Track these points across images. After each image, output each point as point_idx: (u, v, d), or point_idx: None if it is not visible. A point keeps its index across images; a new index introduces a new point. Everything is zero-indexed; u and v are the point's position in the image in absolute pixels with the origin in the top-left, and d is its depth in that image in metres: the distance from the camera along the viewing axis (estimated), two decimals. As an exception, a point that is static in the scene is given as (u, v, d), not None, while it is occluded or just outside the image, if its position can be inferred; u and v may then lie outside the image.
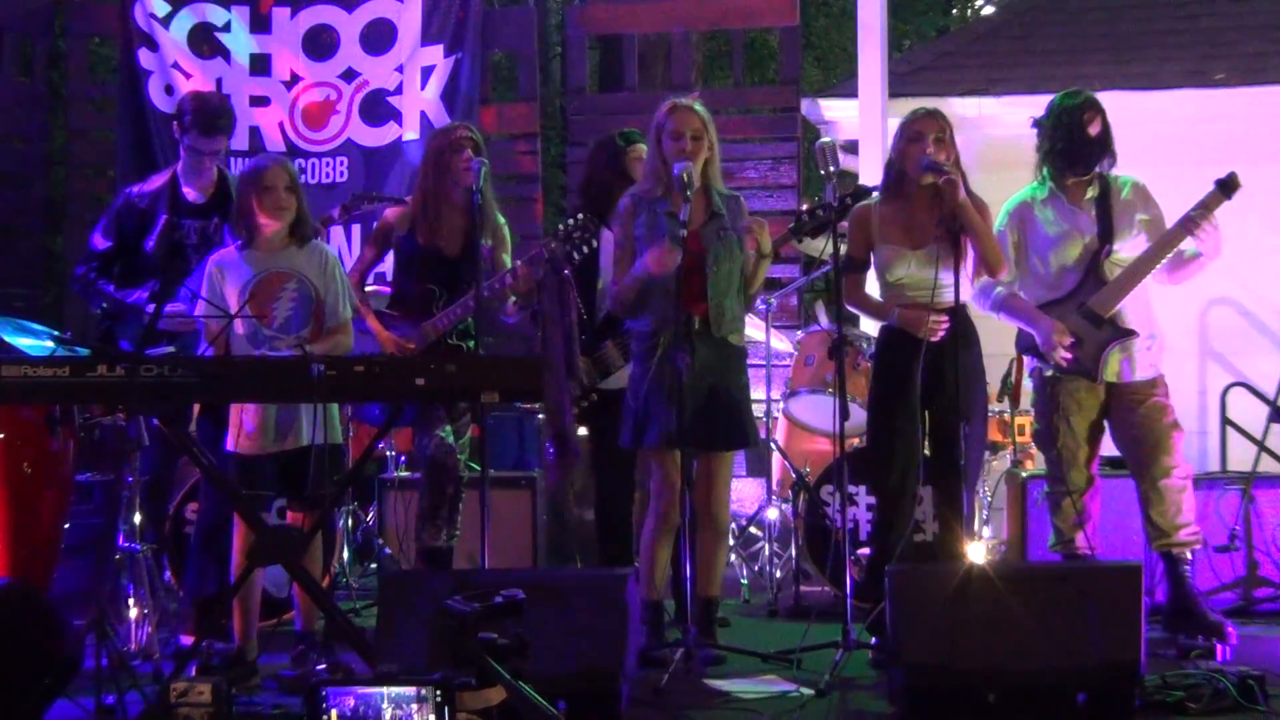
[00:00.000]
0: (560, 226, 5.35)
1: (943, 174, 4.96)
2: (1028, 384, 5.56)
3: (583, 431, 5.89)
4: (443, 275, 5.47)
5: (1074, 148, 5.24)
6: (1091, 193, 5.29)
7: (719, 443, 5.15)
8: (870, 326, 7.06)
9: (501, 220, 5.52)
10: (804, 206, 5.68)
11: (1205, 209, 5.14)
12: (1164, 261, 5.21)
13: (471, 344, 5.60)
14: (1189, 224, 5.14)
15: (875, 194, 5.30)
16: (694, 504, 5.11)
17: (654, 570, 5.15)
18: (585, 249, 5.37)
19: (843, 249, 5.18)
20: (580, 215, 5.37)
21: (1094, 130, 5.25)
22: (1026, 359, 5.41)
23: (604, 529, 5.75)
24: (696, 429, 5.02)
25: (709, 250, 5.07)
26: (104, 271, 5.64)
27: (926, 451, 5.18)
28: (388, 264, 5.88)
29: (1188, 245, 5.19)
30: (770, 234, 5.22)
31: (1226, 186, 5.16)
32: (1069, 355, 5.16)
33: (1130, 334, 5.21)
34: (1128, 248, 5.26)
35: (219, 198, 5.66)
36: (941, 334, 5.05)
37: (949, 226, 4.95)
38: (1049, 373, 5.29)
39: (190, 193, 5.64)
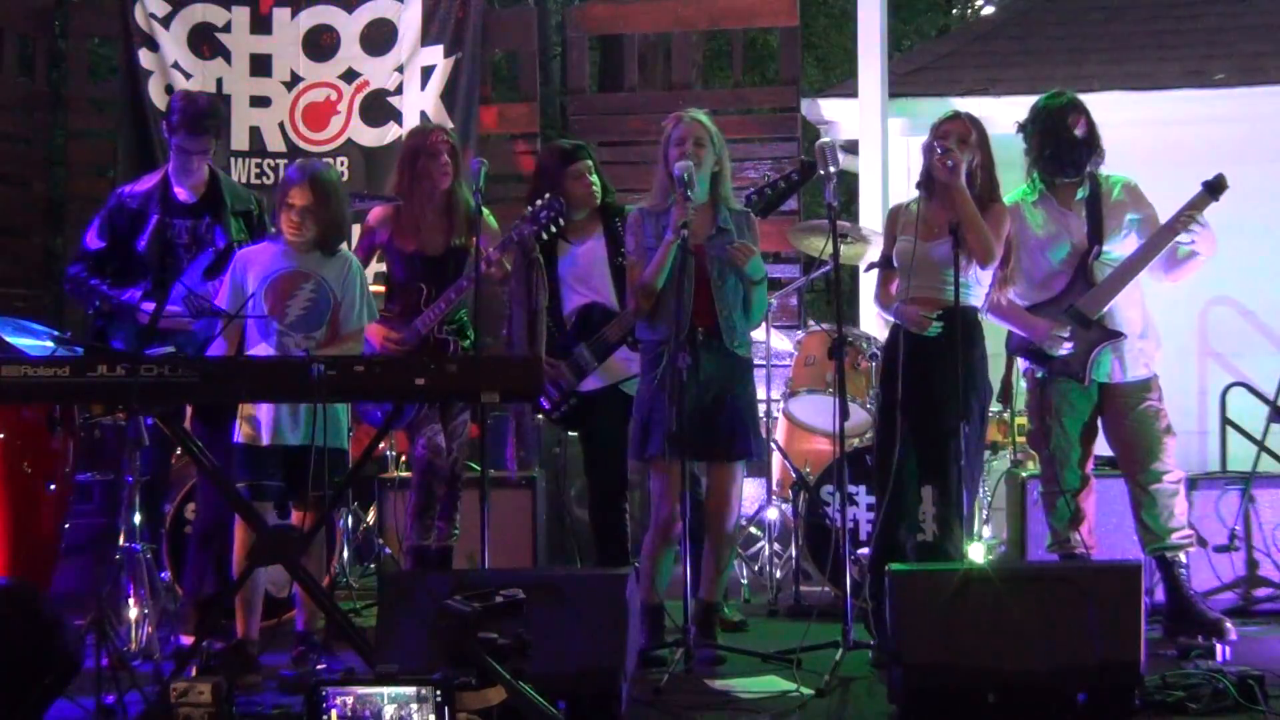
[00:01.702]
0: (529, 208, 5.45)
1: (939, 154, 4.98)
2: (1022, 385, 5.56)
3: (571, 434, 5.90)
4: (429, 274, 5.54)
5: (1061, 151, 5.26)
6: (1081, 193, 5.30)
7: (721, 452, 5.14)
8: (871, 327, 7.08)
9: (485, 211, 5.54)
10: (750, 190, 5.79)
11: (1193, 209, 5.14)
12: (1154, 262, 5.22)
13: (468, 343, 5.62)
14: (1175, 226, 5.14)
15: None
16: (703, 513, 5.13)
17: (654, 577, 5.16)
18: (554, 228, 5.46)
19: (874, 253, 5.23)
20: (547, 195, 5.47)
21: (1079, 131, 5.26)
22: (1020, 360, 5.41)
23: (599, 530, 5.76)
24: (700, 438, 5.02)
25: (714, 264, 5.09)
26: (97, 271, 5.61)
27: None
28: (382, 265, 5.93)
29: (1182, 243, 5.20)
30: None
31: (1214, 188, 5.16)
32: (1069, 345, 5.16)
33: (1118, 335, 5.22)
34: (1118, 248, 5.27)
35: (210, 198, 5.62)
36: (931, 328, 5.03)
37: (952, 225, 4.96)
38: (1040, 374, 5.30)
39: (181, 193, 5.60)
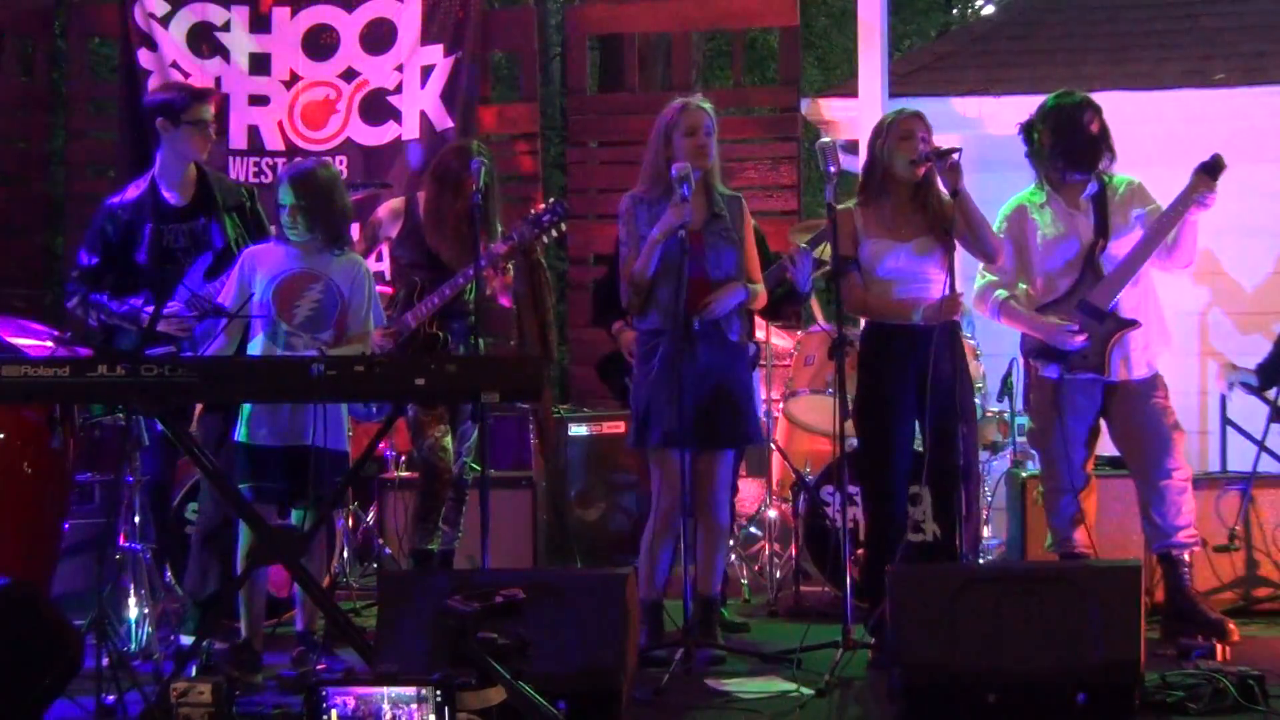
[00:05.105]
0: (531, 211, 5.47)
1: (948, 156, 4.92)
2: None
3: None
4: (429, 274, 5.55)
5: (1079, 147, 5.24)
6: (1088, 191, 5.30)
7: (723, 440, 5.15)
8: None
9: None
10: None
11: (1192, 192, 5.13)
12: (1157, 255, 5.21)
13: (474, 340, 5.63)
14: (1176, 213, 5.14)
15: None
16: (693, 502, 5.12)
17: (654, 570, 5.16)
18: (555, 233, 5.48)
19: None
20: (552, 200, 5.51)
21: (1095, 129, 5.26)
22: (1035, 363, 5.37)
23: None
24: (700, 427, 5.02)
25: (711, 253, 5.08)
26: (96, 286, 5.53)
27: (919, 450, 5.18)
28: (384, 265, 5.92)
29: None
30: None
31: (1211, 169, 5.15)
32: (1083, 340, 5.15)
33: (1133, 324, 5.21)
34: (1125, 244, 5.27)
35: (201, 197, 5.54)
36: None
37: (940, 222, 4.95)
38: (1049, 373, 5.28)
39: (171, 197, 5.47)
